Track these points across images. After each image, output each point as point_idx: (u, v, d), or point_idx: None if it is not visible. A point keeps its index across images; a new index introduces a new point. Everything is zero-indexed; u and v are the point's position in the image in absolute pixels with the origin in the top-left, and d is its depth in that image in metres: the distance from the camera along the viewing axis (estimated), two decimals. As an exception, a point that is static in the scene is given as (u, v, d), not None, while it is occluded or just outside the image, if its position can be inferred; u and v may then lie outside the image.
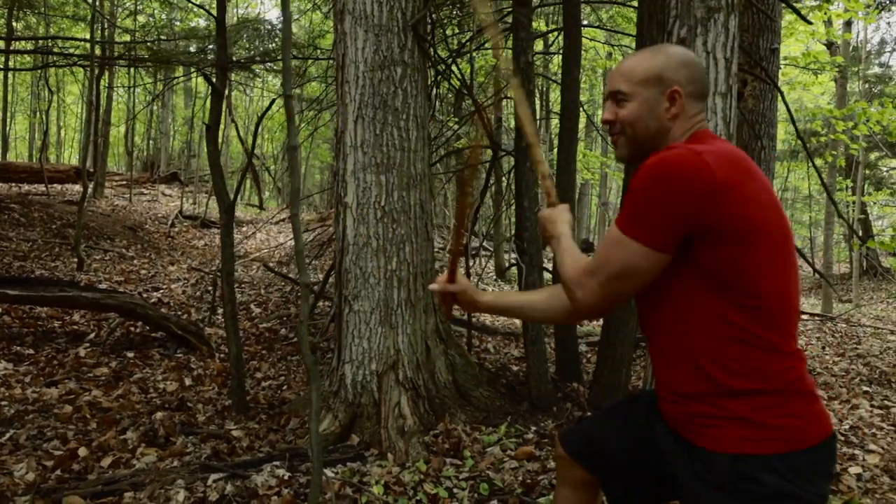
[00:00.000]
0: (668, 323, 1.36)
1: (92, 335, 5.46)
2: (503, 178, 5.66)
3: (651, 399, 1.60)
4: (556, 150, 14.05)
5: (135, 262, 9.01)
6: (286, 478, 3.06)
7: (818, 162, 15.39)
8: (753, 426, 1.25)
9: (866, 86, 15.41)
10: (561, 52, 4.54)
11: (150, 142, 20.09)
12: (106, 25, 12.91)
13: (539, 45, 9.75)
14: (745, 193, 1.24)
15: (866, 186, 16.64)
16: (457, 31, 6.24)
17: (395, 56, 3.57)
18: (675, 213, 1.23)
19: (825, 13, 9.18)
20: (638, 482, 1.66)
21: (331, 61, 6.53)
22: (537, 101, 11.34)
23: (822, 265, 14.27)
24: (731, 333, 1.27)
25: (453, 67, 4.32)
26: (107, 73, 13.79)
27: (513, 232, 13.11)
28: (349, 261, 3.64)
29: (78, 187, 14.17)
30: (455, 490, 3.03)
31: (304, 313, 2.19)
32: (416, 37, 3.62)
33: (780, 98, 4.70)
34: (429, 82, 4.01)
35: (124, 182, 16.08)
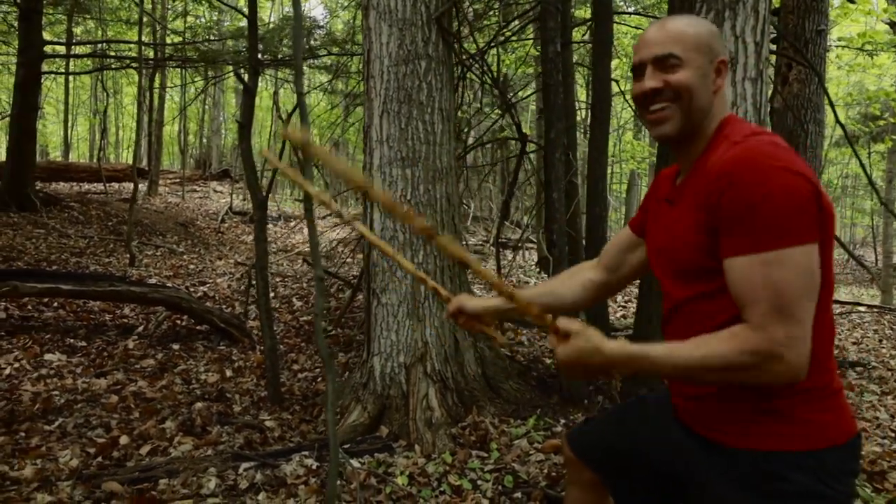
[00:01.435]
0: (701, 325, 1.26)
1: (140, 328, 5.67)
2: (526, 170, 5.61)
3: (660, 401, 1.57)
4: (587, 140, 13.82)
5: (184, 257, 9.30)
6: (314, 467, 3.13)
7: (880, 147, 14.71)
8: (783, 421, 1.21)
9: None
10: (591, 41, 4.47)
11: (203, 140, 20.66)
12: (157, 28, 13.32)
13: (577, 35, 9.60)
14: (824, 200, 1.17)
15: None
16: (480, 24, 6.20)
17: (419, 50, 3.58)
18: (809, 202, 1.12)
19: (883, -10, 8.76)
20: (645, 485, 1.63)
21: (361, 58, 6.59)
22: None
23: (882, 254, 13.66)
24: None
25: (479, 61, 4.29)
26: (159, 74, 14.24)
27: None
28: (377, 254, 3.69)
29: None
30: (479, 482, 3.04)
31: (319, 306, 2.23)
32: (440, 30, 3.63)
33: (854, 77, 4.52)
34: (454, 76, 4.00)
35: (177, 180, 16.59)
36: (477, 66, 4.21)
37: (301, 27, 2.16)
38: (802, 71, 4.90)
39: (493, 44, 4.50)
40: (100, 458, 3.21)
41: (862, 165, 3.73)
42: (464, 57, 4.04)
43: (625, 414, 1.75)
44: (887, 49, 8.68)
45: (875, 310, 9.73)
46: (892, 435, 3.99)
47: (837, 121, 3.76)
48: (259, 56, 9.99)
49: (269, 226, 13.92)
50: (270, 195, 17.99)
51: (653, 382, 3.99)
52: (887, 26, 12.27)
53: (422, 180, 3.61)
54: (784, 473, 1.19)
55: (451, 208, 3.76)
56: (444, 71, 3.68)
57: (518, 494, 2.94)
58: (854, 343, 7.05)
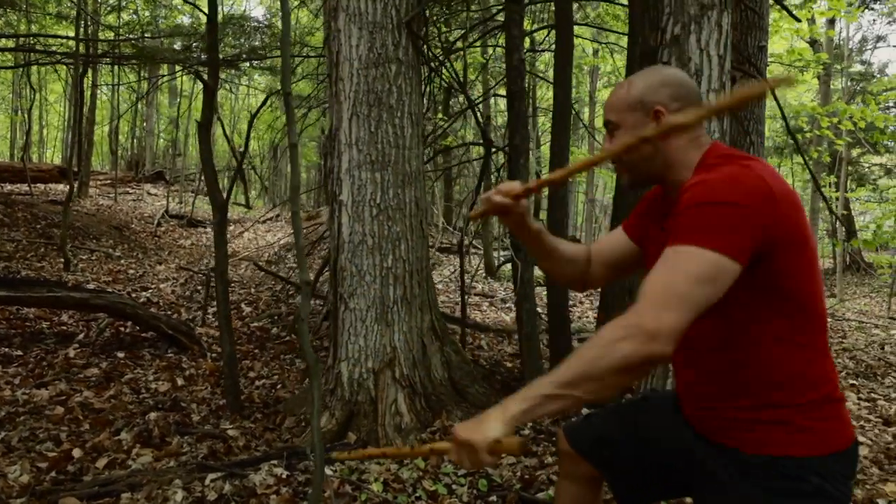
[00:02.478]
0: (712, 339, 1.36)
1: (81, 336, 5.41)
2: (492, 175, 5.67)
3: (665, 400, 1.62)
4: (543, 147, 14.02)
5: (122, 261, 8.93)
6: (284, 476, 3.05)
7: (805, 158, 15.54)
8: (794, 429, 1.29)
9: (850, 83, 15.59)
10: (552, 50, 4.55)
11: (135, 140, 19.89)
12: (89, 23, 12.77)
13: (526, 43, 9.77)
14: (791, 202, 1.28)
15: (848, 182, 16.84)
16: (444, 28, 6.23)
17: (389, 53, 3.56)
18: (755, 226, 1.21)
19: (809, 11, 9.28)
20: (645, 480, 1.67)
21: (320, 59, 6.50)
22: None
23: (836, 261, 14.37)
24: (779, 347, 1.30)
25: (446, 64, 4.31)
26: (90, 72, 13.64)
27: (502, 230, 13.13)
28: (344, 259, 3.64)
29: (61, 186, 14.02)
30: (454, 486, 3.03)
31: (305, 311, 2.19)
32: (410, 34, 3.62)
33: (770, 95, 4.74)
34: (422, 80, 4.00)
35: (109, 181, 15.92)
36: (444, 68, 4.22)
37: (289, 25, 2.12)
38: (746, 84, 5.13)
39: (457, 47, 4.52)
40: (53, 473, 3.04)
41: (812, 174, 3.94)
42: (430, 60, 4.04)
43: (627, 410, 1.79)
44: (815, 66, 9.19)
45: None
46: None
47: (789, 132, 3.96)
48: (200, 56, 9.73)
49: (208, 230, 13.54)
50: (208, 197, 17.54)
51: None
52: (808, 45, 13.03)
53: (391, 184, 3.59)
54: (799, 475, 1.28)
55: (420, 212, 3.75)
56: (413, 75, 3.67)
57: (493, 498, 2.95)
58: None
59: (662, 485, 1.66)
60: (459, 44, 4.80)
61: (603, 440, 1.73)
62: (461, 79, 4.48)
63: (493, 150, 4.23)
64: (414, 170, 3.68)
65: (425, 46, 3.94)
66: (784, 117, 3.70)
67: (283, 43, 2.13)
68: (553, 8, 8.90)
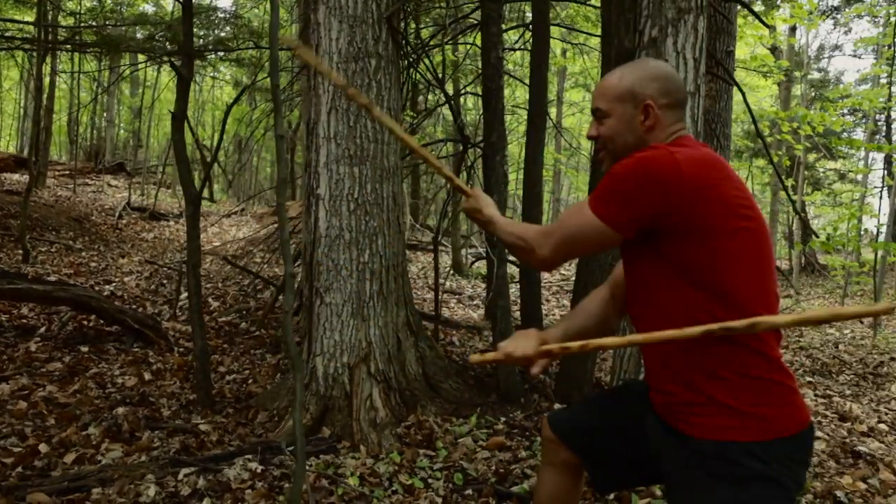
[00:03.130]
0: (656, 318, 1.43)
1: (42, 329, 5.27)
2: (462, 172, 5.70)
3: (642, 389, 1.67)
4: (510, 145, 14.11)
5: (83, 254, 8.71)
6: (259, 471, 3.03)
7: (762, 162, 15.97)
8: (736, 415, 1.33)
9: (809, 89, 16.05)
10: (524, 49, 4.59)
11: (94, 130, 19.38)
12: (49, 8, 12.39)
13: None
14: (713, 195, 1.32)
15: (805, 186, 17.35)
16: (424, 23, 6.25)
17: (369, 48, 3.55)
18: (638, 202, 1.34)
19: (771, 18, 9.53)
20: (622, 467, 1.73)
21: (290, 52, 6.43)
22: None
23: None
24: (710, 322, 1.32)
25: (424, 59, 4.32)
26: (49, 59, 13.24)
27: (471, 228, 13.17)
28: (321, 253, 3.62)
29: (17, 176, 13.60)
30: (430, 480, 3.05)
31: (288, 303, 2.18)
32: (390, 29, 3.62)
33: (735, 98, 4.86)
34: (401, 75, 4.00)
35: (67, 172, 15.50)
36: (422, 63, 4.23)
37: (278, 17, 2.10)
38: (713, 87, 5.25)
39: (433, 43, 4.53)
40: (19, 469, 2.96)
41: (779, 176, 4.06)
42: (410, 54, 4.05)
43: (606, 399, 1.87)
44: (777, 72, 9.44)
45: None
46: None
47: (758, 133, 4.07)
48: (165, 45, 9.53)
49: (171, 223, 13.29)
50: (172, 190, 17.15)
51: (584, 385, 4.15)
52: (769, 51, 13.38)
53: (369, 178, 3.58)
54: (740, 460, 1.32)
55: (397, 208, 3.75)
56: (392, 70, 3.67)
57: (469, 491, 2.97)
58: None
59: (637, 472, 1.72)
60: (437, 39, 4.80)
61: (582, 427, 1.79)
62: (439, 75, 4.49)
63: (470, 146, 4.25)
64: (392, 165, 3.68)
65: (404, 42, 3.94)
66: (754, 120, 3.81)
67: (272, 33, 2.12)
68: (524, 8, 8.98)
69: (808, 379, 5.92)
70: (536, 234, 1.52)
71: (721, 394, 1.35)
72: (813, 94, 16.13)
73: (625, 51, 3.90)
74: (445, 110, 10.20)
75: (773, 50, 13.38)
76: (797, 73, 13.27)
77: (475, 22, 4.80)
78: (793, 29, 11.79)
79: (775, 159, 10.67)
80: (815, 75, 18.12)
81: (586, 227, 1.41)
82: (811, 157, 17.38)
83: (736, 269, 1.33)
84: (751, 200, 1.39)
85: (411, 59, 4.16)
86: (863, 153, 16.79)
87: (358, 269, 3.59)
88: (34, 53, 10.91)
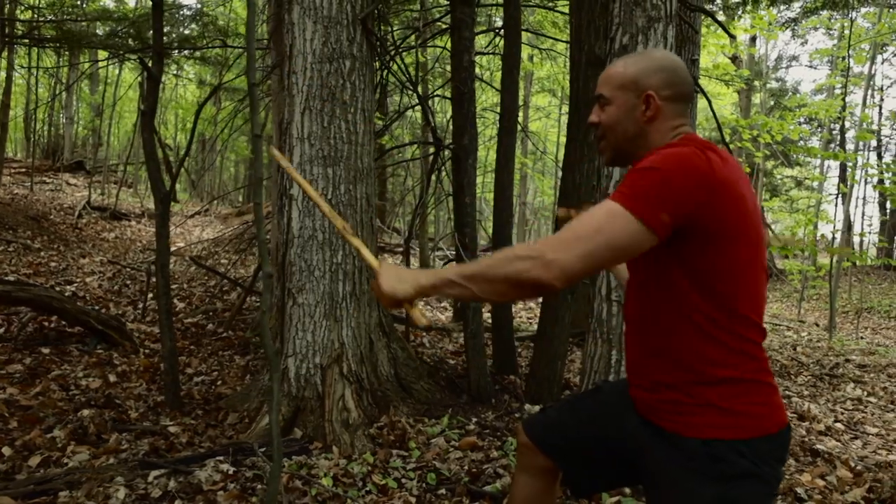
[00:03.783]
0: (654, 315, 1.43)
1: (1, 330, 5.13)
2: (438, 172, 5.73)
3: (616, 389, 1.68)
4: (486, 150, 14.18)
5: (42, 254, 8.49)
6: (231, 472, 3.01)
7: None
8: (722, 413, 1.34)
9: (771, 98, 16.48)
10: (498, 53, 4.64)
11: (52, 128, 18.88)
12: (6, 1, 12.04)
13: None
14: (737, 194, 1.31)
15: (764, 193, 17.82)
16: (397, 25, 6.25)
17: (343, 49, 3.56)
18: (677, 200, 1.26)
19: (733, 28, 9.78)
20: (599, 469, 1.73)
21: (264, 51, 6.39)
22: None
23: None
24: (710, 328, 1.34)
25: (397, 60, 4.33)
26: (6, 53, 12.86)
27: (439, 231, 13.19)
28: (294, 253, 3.61)
29: (-29, 174, 13.18)
30: (403, 480, 3.07)
31: (267, 303, 2.17)
32: (364, 30, 3.63)
33: (699, 105, 4.98)
34: (375, 77, 4.01)
35: (24, 170, 15.08)
36: (395, 65, 4.24)
37: (254, 16, 2.10)
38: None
39: (407, 44, 4.54)
40: (-18, 473, 2.89)
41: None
42: (383, 55, 4.06)
43: (581, 402, 1.85)
44: (738, 81, 9.69)
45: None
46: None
47: (723, 139, 4.19)
48: (128, 42, 9.35)
49: (133, 223, 13.04)
50: (133, 189, 16.82)
51: (553, 385, 4.21)
52: (730, 60, 13.72)
53: (343, 180, 3.59)
54: (726, 457, 1.33)
55: (370, 209, 3.76)
56: (367, 72, 3.68)
57: (442, 490, 3.00)
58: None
59: (614, 474, 1.72)
60: (411, 40, 4.82)
61: (556, 430, 1.79)
62: (413, 77, 4.50)
63: (443, 148, 4.28)
64: (366, 166, 3.69)
65: (378, 43, 3.95)
66: (720, 128, 3.92)
67: (248, 32, 2.12)
68: (493, 12, 9.05)
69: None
70: (545, 247, 1.25)
71: (707, 393, 1.35)
72: (772, 102, 16.58)
73: (595, 58, 3.98)
74: (415, 112, 10.21)
75: (734, 59, 13.74)
76: (757, 82, 13.63)
77: (446, 26, 4.84)
78: (753, 39, 12.12)
79: (736, 166, 10.96)
80: (774, 84, 18.64)
81: (624, 232, 1.24)
82: (769, 164, 17.87)
83: (743, 274, 1.33)
84: (757, 205, 1.39)
85: (385, 61, 4.17)
86: (819, 161, 17.32)
87: (331, 269, 3.59)
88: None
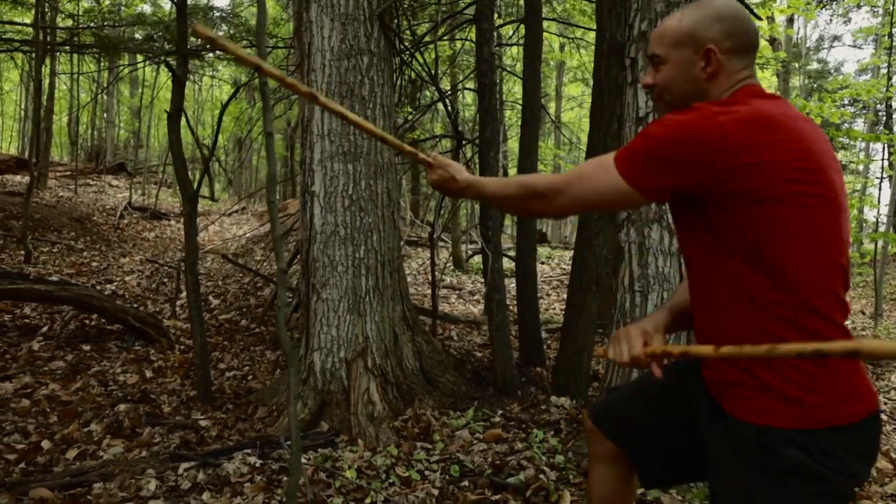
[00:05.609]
0: (708, 290, 1.32)
1: (45, 328, 5.32)
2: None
3: (688, 370, 1.53)
4: (510, 140, 14.10)
5: (84, 254, 8.76)
6: (258, 465, 3.07)
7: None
8: (781, 398, 1.21)
9: (807, 81, 16.01)
10: (519, 44, 4.61)
11: (95, 131, 19.45)
12: (48, 10, 12.43)
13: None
14: (763, 158, 1.16)
15: (806, 178, 17.26)
16: (416, 21, 6.26)
17: (361, 45, 3.58)
18: (671, 171, 1.21)
19: (769, 9, 9.52)
20: (670, 458, 1.61)
21: (288, 51, 6.47)
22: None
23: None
24: (770, 303, 1.21)
25: (417, 56, 4.34)
26: (48, 60, 13.29)
27: (471, 223, 13.19)
28: (317, 249, 3.65)
29: (19, 178, 13.65)
30: (427, 472, 3.09)
31: (282, 299, 2.21)
32: (382, 26, 3.64)
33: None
34: (394, 72, 4.03)
35: (69, 172, 15.56)
36: (415, 60, 4.25)
37: (265, 15, 2.13)
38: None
39: (426, 39, 4.55)
40: (23, 465, 3.01)
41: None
42: (402, 52, 4.07)
43: (648, 383, 1.71)
44: (774, 64, 9.43)
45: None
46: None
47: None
48: (163, 45, 9.56)
49: (172, 222, 13.34)
50: (173, 189, 17.18)
51: (580, 377, 4.18)
52: (768, 43, 13.36)
53: (364, 175, 3.62)
54: (778, 448, 1.20)
55: (392, 203, 3.78)
56: (385, 67, 3.70)
57: (465, 483, 3.01)
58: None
59: (684, 462, 1.58)
60: (429, 37, 4.83)
61: (621, 414, 1.69)
62: (432, 71, 4.51)
63: (464, 143, 4.28)
64: (386, 161, 3.72)
65: (397, 39, 3.97)
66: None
67: (258, 31, 2.15)
68: (521, 3, 8.99)
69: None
70: (550, 184, 1.38)
71: (770, 375, 1.22)
72: (812, 84, 16.09)
73: (616, 45, 3.93)
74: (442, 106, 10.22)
75: (772, 42, 13.37)
76: (795, 64, 13.24)
77: (470, 17, 4.83)
78: (790, 20, 11.78)
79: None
80: (815, 66, 18.09)
81: (611, 189, 1.28)
82: (812, 148, 17.30)
83: (785, 239, 1.18)
84: (818, 164, 1.20)
85: (404, 57, 4.18)
86: (863, 144, 16.76)
87: (353, 264, 3.63)
88: (33, 55, 10.96)
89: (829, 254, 1.21)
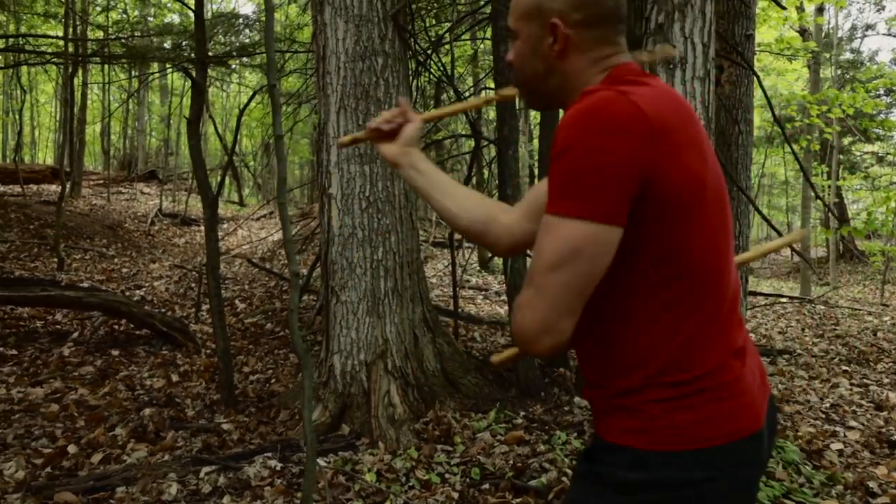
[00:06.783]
0: (596, 309, 1.10)
1: (75, 334, 5.42)
2: (484, 168, 5.69)
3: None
4: (535, 141, 14.04)
5: (115, 260, 8.93)
6: (278, 468, 3.08)
7: (794, 148, 15.59)
8: (632, 417, 1.07)
9: (839, 71, 15.62)
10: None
11: (127, 140, 19.84)
12: (78, 22, 12.72)
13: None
14: (685, 139, 1.01)
15: (841, 171, 16.92)
16: (433, 22, 6.26)
17: (375, 46, 3.57)
18: (616, 173, 0.96)
19: (798, -1, 9.32)
20: None
21: (309, 55, 6.50)
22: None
23: (799, 249, 14.51)
24: (618, 325, 1.08)
25: (434, 57, 4.33)
26: (80, 71, 13.60)
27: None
28: (335, 252, 3.65)
29: (54, 187, 13.99)
30: (447, 475, 3.06)
31: (295, 302, 2.20)
32: (396, 27, 3.63)
33: (756, 84, 4.76)
34: (409, 73, 4.02)
35: (101, 181, 15.89)
36: (431, 61, 4.24)
37: (272, 17, 2.13)
38: (734, 73, 5.15)
39: (444, 41, 4.53)
40: (48, 469, 3.06)
41: (798, 161, 3.97)
42: (418, 54, 4.06)
43: None
44: (803, 55, 9.21)
45: (796, 301, 10.32)
46: (823, 416, 4.24)
47: (776, 120, 3.99)
48: (191, 54, 9.70)
49: (202, 228, 13.53)
50: (200, 196, 17.44)
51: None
52: (798, 33, 13.06)
53: (380, 177, 3.60)
54: (623, 466, 1.07)
55: (409, 205, 3.77)
56: (400, 68, 3.68)
57: (486, 486, 2.97)
58: (780, 332, 7.46)
59: None
60: (447, 37, 4.81)
61: None
62: (449, 72, 4.49)
63: (484, 142, 4.24)
64: (403, 162, 3.70)
65: (412, 39, 3.95)
66: (770, 106, 3.74)
67: (267, 34, 2.15)
68: None
69: (844, 368, 5.78)
70: (519, 314, 1.03)
71: (613, 390, 1.09)
72: (844, 75, 15.70)
73: (634, 38, 3.86)
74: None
75: (803, 32, 13.07)
76: (826, 55, 12.92)
77: (487, 15, 4.79)
78: (820, 9, 11.50)
79: (804, 144, 10.44)
80: (847, 56, 17.64)
81: (573, 240, 0.97)
82: (846, 140, 16.93)
83: (703, 235, 1.04)
84: (713, 153, 1.08)
85: (421, 58, 4.17)
86: (900, 134, 16.31)
87: (372, 266, 3.62)
88: (66, 67, 11.24)
89: (726, 249, 1.09)
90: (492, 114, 12.54)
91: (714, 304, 1.07)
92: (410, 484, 2.97)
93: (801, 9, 11.31)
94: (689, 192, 1.01)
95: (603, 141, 0.95)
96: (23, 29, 14.29)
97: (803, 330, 7.68)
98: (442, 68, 4.34)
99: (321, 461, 3.13)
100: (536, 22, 1.14)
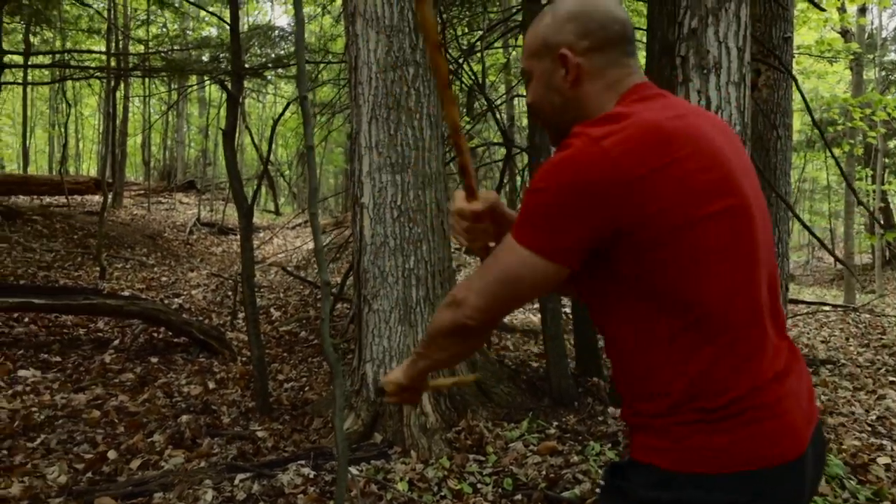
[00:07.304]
0: (616, 352, 1.17)
1: (116, 342, 5.55)
2: (517, 176, 5.68)
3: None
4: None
5: (155, 269, 9.12)
6: (311, 476, 3.10)
7: (836, 152, 15.21)
8: (654, 435, 1.09)
9: (883, 73, 15.19)
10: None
11: (166, 151, 20.31)
12: (120, 37, 13.09)
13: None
14: (666, 179, 1.00)
15: (886, 175, 16.42)
16: (466, 30, 6.29)
17: (406, 56, 3.60)
18: (574, 222, 1.01)
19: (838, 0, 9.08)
20: None
21: (343, 65, 6.58)
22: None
23: (843, 256, 14.11)
24: (640, 352, 1.10)
25: (465, 66, 4.34)
26: (122, 85, 13.98)
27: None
28: (367, 261, 3.68)
29: (97, 198, 14.38)
30: (479, 485, 3.05)
31: (326, 311, 2.22)
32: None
33: (794, 87, 4.66)
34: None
35: (142, 191, 16.27)
36: (463, 70, 4.25)
37: (303, 29, 2.16)
38: (771, 76, 5.04)
39: (476, 49, 4.55)
40: (89, 474, 3.14)
41: (839, 166, 3.87)
42: (449, 63, 4.07)
43: None
44: (845, 56, 8.98)
45: (839, 309, 10.03)
46: (869, 429, 4.11)
47: (814, 123, 3.90)
48: (228, 66, 9.90)
49: (238, 237, 13.75)
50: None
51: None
52: (839, 35, 12.74)
53: (412, 185, 3.62)
54: (644, 485, 1.08)
55: (441, 213, 3.77)
56: (431, 77, 3.70)
57: (518, 496, 2.95)
58: (823, 342, 7.26)
59: None
60: (478, 45, 4.82)
61: None
62: (480, 81, 4.49)
63: (516, 150, 4.23)
64: (434, 171, 3.71)
65: (443, 49, 3.96)
66: (809, 111, 3.65)
67: (297, 46, 2.17)
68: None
69: (892, 378, 5.59)
70: (458, 288, 1.15)
71: (642, 414, 1.12)
72: (889, 77, 15.26)
73: (667, 44, 3.81)
74: (501, 114, 10.20)
75: (845, 34, 12.75)
76: (869, 56, 12.57)
77: (518, 23, 4.79)
78: (862, 9, 11.20)
79: (846, 148, 10.16)
80: (892, 57, 17.14)
81: (517, 266, 1.06)
82: (892, 143, 16.44)
83: (698, 265, 1.02)
84: (724, 171, 1.04)
85: (452, 67, 4.18)
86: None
87: (404, 275, 3.63)
88: (109, 81, 11.57)
89: (744, 270, 1.06)
90: (524, 121, 12.50)
91: (731, 332, 1.05)
92: (442, 493, 2.97)
93: (842, 9, 11.04)
94: (680, 228, 1.01)
95: (569, 196, 1.01)
96: (68, 45, 14.77)
97: (847, 339, 7.46)
98: (473, 77, 4.34)
99: (353, 469, 3.14)
100: (547, 57, 1.18)
